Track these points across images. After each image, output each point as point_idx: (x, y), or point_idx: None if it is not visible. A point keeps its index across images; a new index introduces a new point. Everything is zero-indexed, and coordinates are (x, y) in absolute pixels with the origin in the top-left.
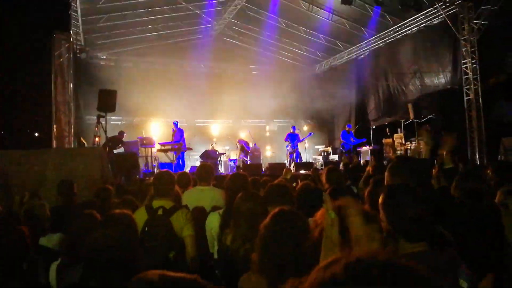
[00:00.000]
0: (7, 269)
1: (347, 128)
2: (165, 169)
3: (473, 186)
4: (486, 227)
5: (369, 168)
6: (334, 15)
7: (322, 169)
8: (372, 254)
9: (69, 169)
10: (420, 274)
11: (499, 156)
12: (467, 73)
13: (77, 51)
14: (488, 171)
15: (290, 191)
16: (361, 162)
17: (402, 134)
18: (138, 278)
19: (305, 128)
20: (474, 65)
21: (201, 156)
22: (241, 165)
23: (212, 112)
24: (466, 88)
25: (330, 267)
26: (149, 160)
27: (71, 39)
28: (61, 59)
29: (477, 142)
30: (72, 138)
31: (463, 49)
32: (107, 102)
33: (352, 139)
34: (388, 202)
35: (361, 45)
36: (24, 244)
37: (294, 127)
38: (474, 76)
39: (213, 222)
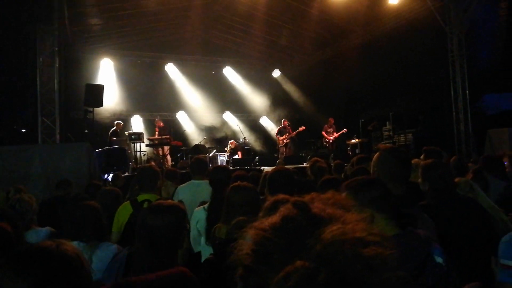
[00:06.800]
0: None
1: (328, 123)
2: (148, 164)
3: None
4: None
5: (353, 160)
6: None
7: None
8: None
9: (55, 164)
10: None
11: (485, 148)
12: (454, 66)
13: (63, 45)
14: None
15: (294, 178)
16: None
17: (391, 127)
18: None
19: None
20: (461, 57)
21: (191, 151)
22: (230, 160)
23: (203, 107)
24: (453, 81)
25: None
26: (138, 156)
27: (56, 33)
28: (47, 53)
29: (464, 134)
30: (59, 134)
31: (450, 42)
32: (94, 96)
33: (334, 134)
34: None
35: (348, 38)
36: (8, 242)
37: (284, 121)
38: (461, 68)
39: (198, 216)
